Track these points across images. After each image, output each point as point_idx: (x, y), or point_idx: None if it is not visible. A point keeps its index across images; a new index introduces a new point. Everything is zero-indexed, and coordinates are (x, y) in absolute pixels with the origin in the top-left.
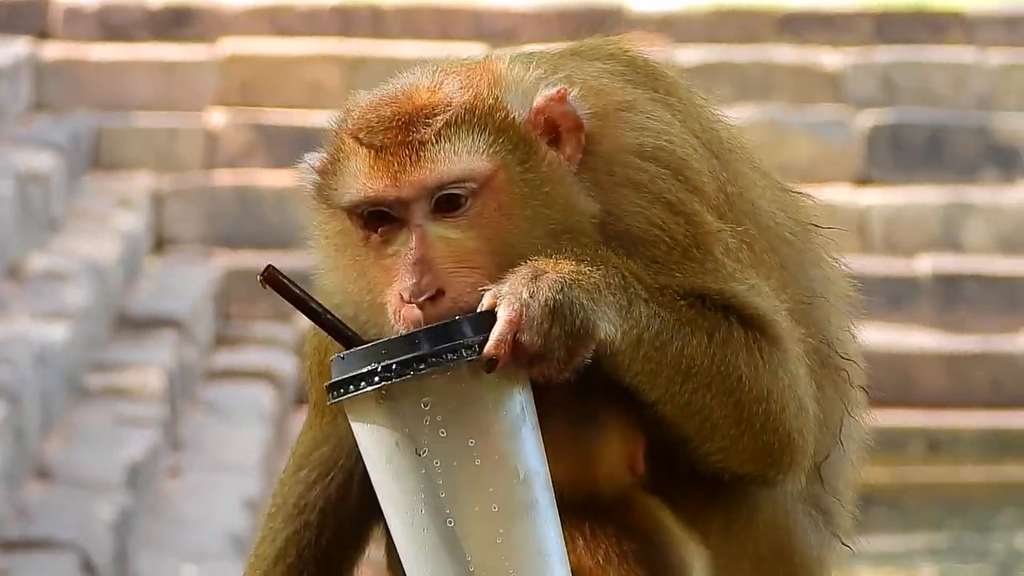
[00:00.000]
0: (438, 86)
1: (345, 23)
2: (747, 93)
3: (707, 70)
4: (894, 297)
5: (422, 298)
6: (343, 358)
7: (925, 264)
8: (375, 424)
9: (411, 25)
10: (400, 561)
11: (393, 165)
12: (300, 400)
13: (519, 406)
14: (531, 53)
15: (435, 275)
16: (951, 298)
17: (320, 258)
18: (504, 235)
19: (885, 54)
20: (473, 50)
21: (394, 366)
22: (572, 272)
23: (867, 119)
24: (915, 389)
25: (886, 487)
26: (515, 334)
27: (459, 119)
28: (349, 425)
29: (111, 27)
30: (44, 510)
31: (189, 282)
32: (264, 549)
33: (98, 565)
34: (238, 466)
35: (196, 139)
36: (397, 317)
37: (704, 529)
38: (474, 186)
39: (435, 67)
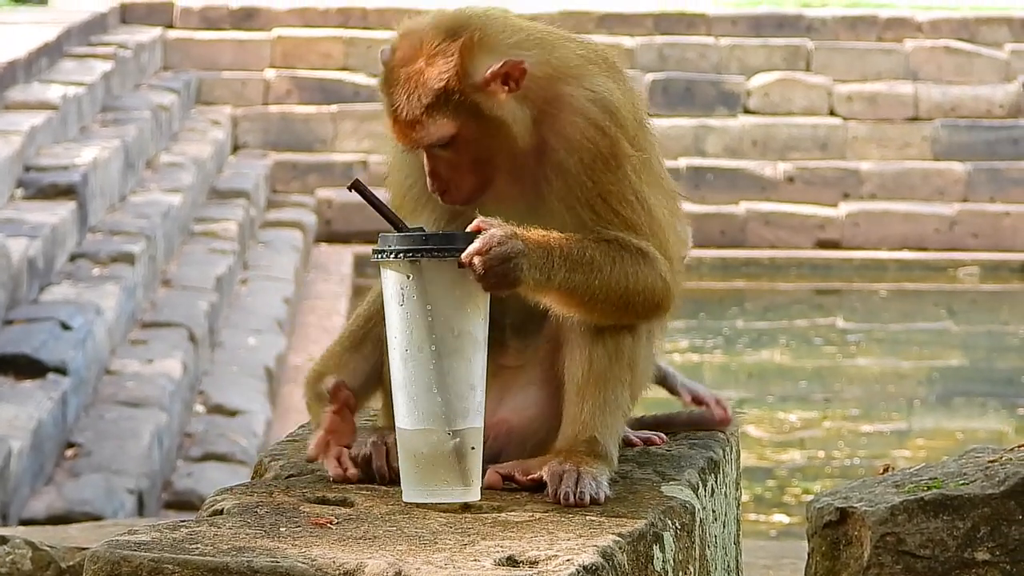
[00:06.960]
0: (431, 59)
1: (344, 18)
2: None
3: None
4: None
5: (439, 194)
6: (386, 237)
7: (682, 162)
8: (386, 280)
9: (384, 19)
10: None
11: (403, 128)
12: (318, 239)
13: (467, 292)
14: (520, 21)
15: (441, 181)
16: (698, 182)
17: (390, 146)
18: (474, 154)
19: (660, 39)
20: None
21: (401, 251)
22: (529, 244)
23: (650, 77)
24: None
25: None
26: (477, 255)
27: (439, 102)
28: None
29: (208, 19)
30: (166, 304)
31: (252, 170)
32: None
33: (198, 336)
34: (280, 278)
35: (257, 86)
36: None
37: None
38: (449, 138)
39: (434, 24)
